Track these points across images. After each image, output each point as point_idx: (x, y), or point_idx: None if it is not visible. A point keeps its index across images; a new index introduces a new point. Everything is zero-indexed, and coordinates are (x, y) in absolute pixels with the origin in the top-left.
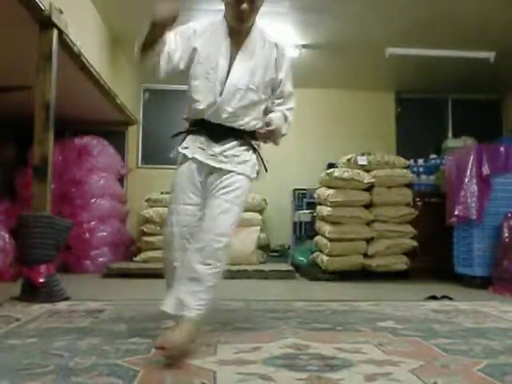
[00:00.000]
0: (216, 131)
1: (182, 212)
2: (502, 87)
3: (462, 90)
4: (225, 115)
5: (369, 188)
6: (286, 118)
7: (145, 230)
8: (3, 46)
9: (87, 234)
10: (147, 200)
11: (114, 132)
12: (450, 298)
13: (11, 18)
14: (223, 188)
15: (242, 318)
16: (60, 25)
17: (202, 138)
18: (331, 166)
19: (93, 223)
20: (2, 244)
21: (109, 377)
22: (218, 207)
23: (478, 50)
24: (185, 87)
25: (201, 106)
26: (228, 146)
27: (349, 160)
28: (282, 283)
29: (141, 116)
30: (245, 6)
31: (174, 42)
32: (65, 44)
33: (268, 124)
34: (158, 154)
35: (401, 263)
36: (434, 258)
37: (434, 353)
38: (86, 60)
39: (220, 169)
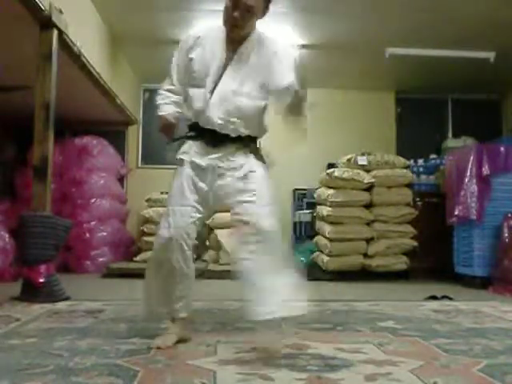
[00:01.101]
0: (212, 137)
1: (179, 213)
2: (502, 87)
3: (462, 89)
4: (218, 121)
5: (369, 188)
6: (288, 90)
7: (145, 230)
8: (3, 46)
9: (87, 234)
10: (147, 200)
11: (114, 132)
12: (450, 298)
13: (11, 18)
14: (238, 191)
15: (242, 318)
16: (60, 25)
17: (200, 143)
18: (331, 166)
19: (93, 223)
20: (2, 244)
21: (109, 377)
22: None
23: (478, 50)
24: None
25: (193, 113)
26: (227, 150)
27: (349, 160)
28: None
29: (141, 116)
30: (236, 13)
31: (176, 70)
32: (65, 44)
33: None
34: (157, 154)
35: (401, 263)
36: (434, 258)
37: (434, 353)
38: (86, 60)
39: (220, 173)
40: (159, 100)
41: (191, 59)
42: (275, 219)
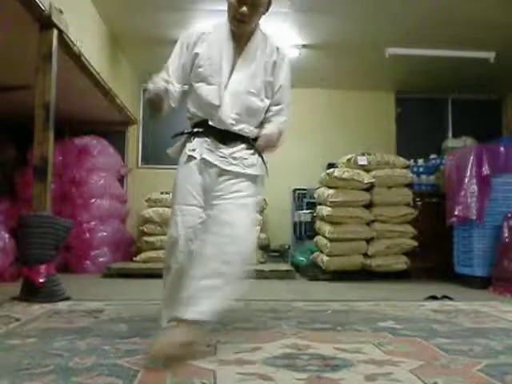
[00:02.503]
0: (222, 135)
1: (187, 213)
2: (502, 87)
3: (461, 89)
4: (229, 121)
5: (369, 188)
6: (280, 131)
7: (145, 229)
8: (3, 46)
9: (87, 234)
10: (147, 200)
11: (114, 132)
12: (450, 298)
13: (11, 18)
14: (235, 192)
15: (242, 318)
16: (60, 25)
17: (209, 140)
18: (331, 166)
19: (93, 223)
20: (2, 244)
21: (109, 377)
22: (232, 211)
23: (478, 50)
24: (185, 88)
25: (201, 112)
26: (237, 148)
27: (349, 160)
28: (282, 283)
29: (141, 116)
30: (244, 8)
31: (174, 64)
32: (65, 44)
33: (267, 138)
34: (158, 154)
35: (401, 263)
36: (434, 258)
37: (434, 353)
38: (86, 60)
39: (230, 171)
40: (150, 82)
41: (197, 54)
42: (253, 229)
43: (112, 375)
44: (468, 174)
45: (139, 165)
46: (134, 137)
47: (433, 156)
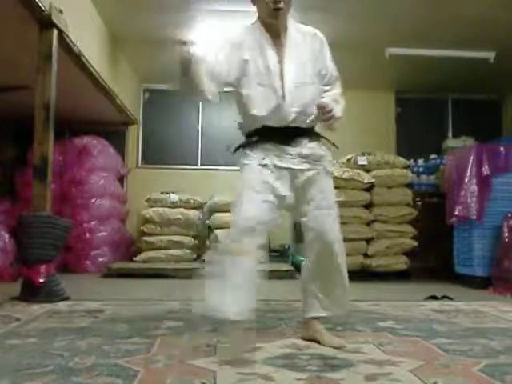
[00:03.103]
0: (285, 134)
1: (258, 200)
2: (502, 87)
3: (462, 90)
4: (292, 115)
5: (369, 188)
6: (337, 100)
7: (145, 230)
8: (3, 46)
9: (87, 234)
10: (147, 200)
11: (113, 132)
12: (450, 298)
13: (11, 18)
14: (319, 194)
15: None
16: (60, 25)
17: (273, 145)
18: None
19: (93, 223)
20: (2, 244)
21: (109, 377)
22: (324, 217)
23: (478, 50)
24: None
25: (262, 113)
26: (302, 145)
27: (349, 160)
28: (282, 283)
29: (141, 116)
30: (280, 3)
31: (217, 59)
32: (65, 44)
33: (321, 106)
34: (157, 154)
35: (401, 263)
36: (434, 258)
37: (434, 353)
38: (86, 60)
39: (302, 170)
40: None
41: (246, 61)
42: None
43: (112, 375)
44: (468, 173)
45: (139, 165)
46: (134, 137)
47: (433, 156)
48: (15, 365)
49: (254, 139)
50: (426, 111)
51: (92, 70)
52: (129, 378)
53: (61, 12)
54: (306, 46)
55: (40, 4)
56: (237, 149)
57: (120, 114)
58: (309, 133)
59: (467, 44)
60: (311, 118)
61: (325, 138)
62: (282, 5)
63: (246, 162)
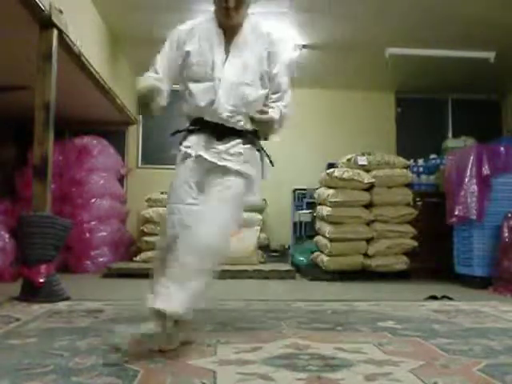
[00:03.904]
0: (218, 130)
1: (184, 212)
2: (502, 87)
3: (462, 90)
4: (226, 113)
5: (369, 188)
6: (281, 112)
7: (145, 230)
8: (3, 46)
9: (87, 234)
10: (147, 200)
11: (114, 132)
12: (450, 298)
13: (11, 18)
14: (220, 186)
15: (242, 318)
16: (60, 25)
17: (205, 137)
18: (331, 166)
19: (93, 223)
20: (2, 244)
21: (109, 377)
22: (216, 204)
23: (478, 50)
24: (175, 86)
25: (201, 104)
26: (233, 143)
27: (349, 160)
28: (282, 283)
29: (141, 116)
30: (230, 2)
31: (163, 63)
32: (65, 44)
33: (262, 112)
34: (157, 153)
35: (401, 263)
36: (434, 258)
37: (434, 353)
38: (86, 60)
39: (223, 166)
40: (139, 80)
41: (188, 52)
42: (230, 226)
43: (112, 375)
44: (468, 173)
45: (139, 165)
46: (134, 137)
47: (433, 156)
48: (15, 365)
49: (191, 128)
50: (426, 111)
51: (92, 69)
52: (129, 378)
53: (61, 12)
54: (255, 48)
55: (40, 4)
56: (174, 133)
57: (120, 114)
58: (243, 135)
59: (467, 44)
60: (246, 120)
61: (262, 149)
62: (231, 4)
63: (182, 148)
